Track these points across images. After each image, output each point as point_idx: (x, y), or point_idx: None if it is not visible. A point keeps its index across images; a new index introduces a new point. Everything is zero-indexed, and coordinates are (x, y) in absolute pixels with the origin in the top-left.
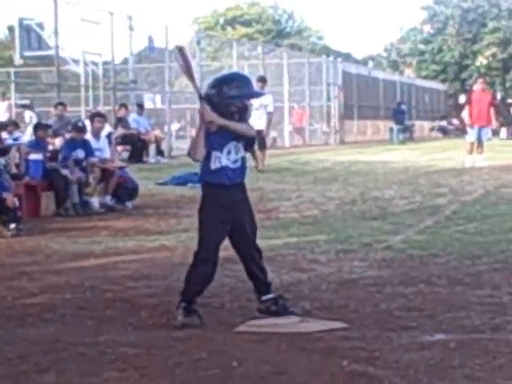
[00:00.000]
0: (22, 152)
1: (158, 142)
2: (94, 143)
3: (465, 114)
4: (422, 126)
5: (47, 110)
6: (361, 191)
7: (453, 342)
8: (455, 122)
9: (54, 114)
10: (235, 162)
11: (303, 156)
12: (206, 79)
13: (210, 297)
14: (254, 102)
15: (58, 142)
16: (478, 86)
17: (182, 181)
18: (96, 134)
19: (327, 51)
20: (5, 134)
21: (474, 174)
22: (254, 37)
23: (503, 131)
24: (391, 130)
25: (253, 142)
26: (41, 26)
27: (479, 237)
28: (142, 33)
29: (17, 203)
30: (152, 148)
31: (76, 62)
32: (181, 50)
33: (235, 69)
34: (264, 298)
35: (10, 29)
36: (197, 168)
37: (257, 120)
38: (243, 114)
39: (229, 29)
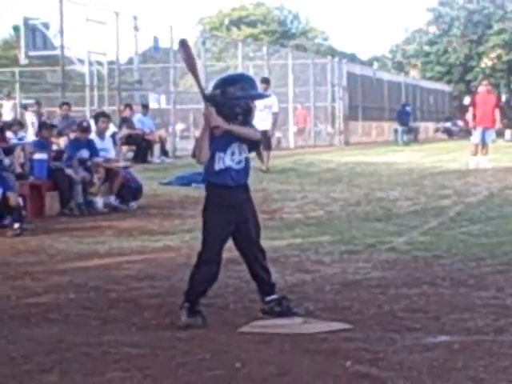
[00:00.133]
0: (26, 152)
1: (162, 142)
2: (98, 143)
3: (469, 115)
4: (426, 127)
5: (52, 110)
6: (365, 192)
7: (456, 344)
8: (460, 123)
9: (58, 114)
10: (239, 162)
11: (307, 157)
12: (210, 79)
13: (213, 297)
14: (259, 104)
15: (62, 142)
16: (482, 88)
17: (186, 181)
18: (101, 134)
19: (332, 52)
20: (10, 134)
21: (478, 176)
22: (259, 37)
23: (508, 133)
24: (396, 131)
25: (258, 144)
26: (46, 25)
27: (483, 238)
28: (147, 33)
29: (21, 203)
30: (156, 148)
31: (81, 61)
32: (183, 42)
33: (240, 69)
34: (268, 298)
35: (15, 28)
36: (201, 168)
37: (262, 121)
38: (247, 115)
39: (234, 29)
